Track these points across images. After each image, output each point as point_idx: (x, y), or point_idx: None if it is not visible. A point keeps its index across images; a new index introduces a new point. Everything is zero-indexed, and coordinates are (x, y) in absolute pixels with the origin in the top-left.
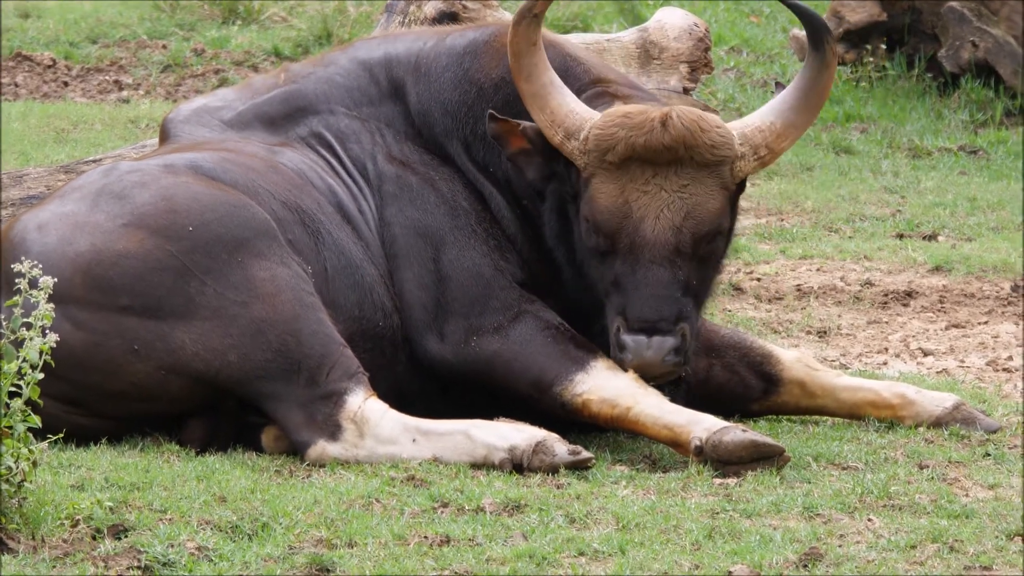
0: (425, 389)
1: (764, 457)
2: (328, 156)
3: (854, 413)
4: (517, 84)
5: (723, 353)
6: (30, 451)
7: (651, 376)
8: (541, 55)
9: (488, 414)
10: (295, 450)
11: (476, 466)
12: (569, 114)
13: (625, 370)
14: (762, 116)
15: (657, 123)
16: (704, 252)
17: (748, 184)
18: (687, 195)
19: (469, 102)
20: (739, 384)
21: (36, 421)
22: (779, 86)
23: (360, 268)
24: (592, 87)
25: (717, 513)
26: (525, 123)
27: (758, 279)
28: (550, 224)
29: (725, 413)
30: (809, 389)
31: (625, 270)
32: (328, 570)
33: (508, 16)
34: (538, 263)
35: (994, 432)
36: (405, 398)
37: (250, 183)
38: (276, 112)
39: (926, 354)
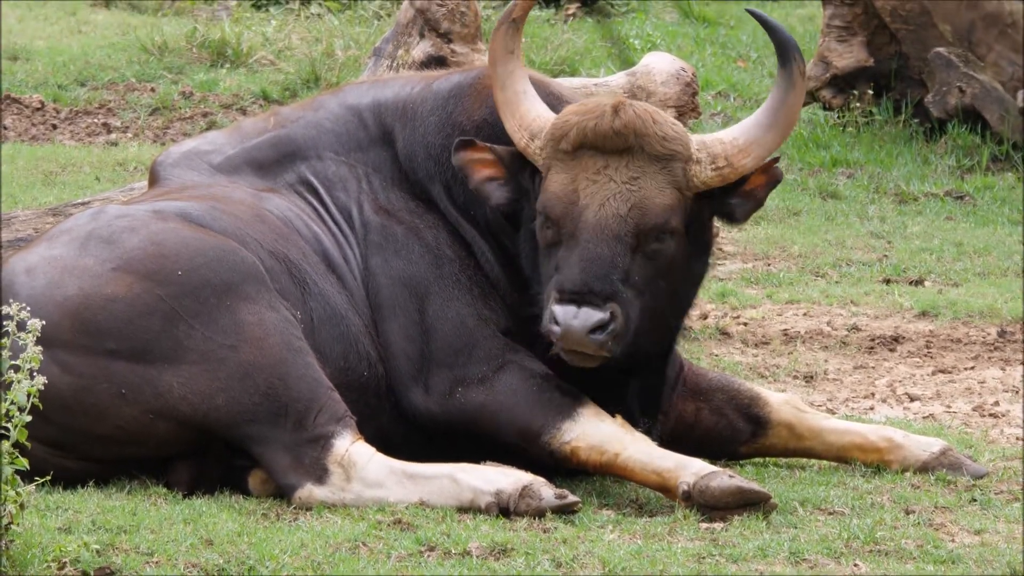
0: (410, 437)
1: (750, 504)
2: (315, 203)
3: (841, 456)
4: (493, 93)
5: (711, 396)
6: (17, 494)
7: (577, 352)
8: (517, 64)
9: (474, 459)
10: (282, 493)
11: (463, 510)
12: (536, 118)
13: (555, 351)
14: (727, 131)
15: (609, 109)
16: (649, 250)
17: (736, 230)
18: (635, 187)
19: (451, 145)
20: (727, 427)
21: (24, 464)
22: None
23: (345, 318)
24: None
25: (703, 558)
26: (494, 146)
27: (745, 324)
28: (524, 252)
29: (713, 456)
30: (797, 431)
31: (565, 254)
32: None
33: None
34: (521, 305)
35: (981, 478)
36: (390, 446)
37: (238, 232)
38: (265, 157)
39: (912, 399)
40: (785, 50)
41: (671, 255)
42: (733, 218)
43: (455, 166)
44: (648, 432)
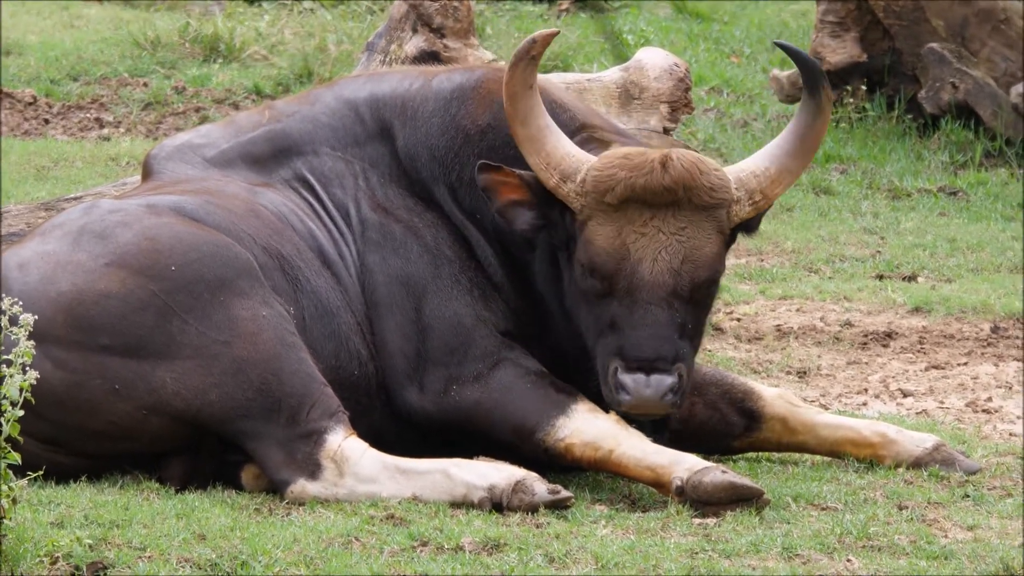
0: (402, 435)
1: (743, 499)
2: (310, 199)
3: (834, 451)
4: (512, 128)
5: (705, 390)
6: (10, 488)
7: (648, 416)
8: (537, 99)
9: (467, 455)
10: (275, 488)
11: (456, 505)
12: (565, 157)
13: (622, 410)
14: (757, 161)
15: (657, 164)
16: (699, 296)
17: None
18: (685, 238)
19: (456, 148)
20: (721, 421)
21: (16, 458)
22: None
23: (337, 316)
24: (579, 133)
25: (696, 553)
26: (521, 171)
27: (738, 319)
28: (541, 271)
29: (707, 450)
30: (790, 425)
31: (622, 311)
32: None
33: (488, 55)
34: (525, 310)
35: (974, 473)
36: (382, 444)
37: (232, 227)
38: (260, 152)
39: (905, 395)
40: (813, 78)
41: (714, 295)
42: (751, 230)
43: (480, 186)
44: (657, 434)
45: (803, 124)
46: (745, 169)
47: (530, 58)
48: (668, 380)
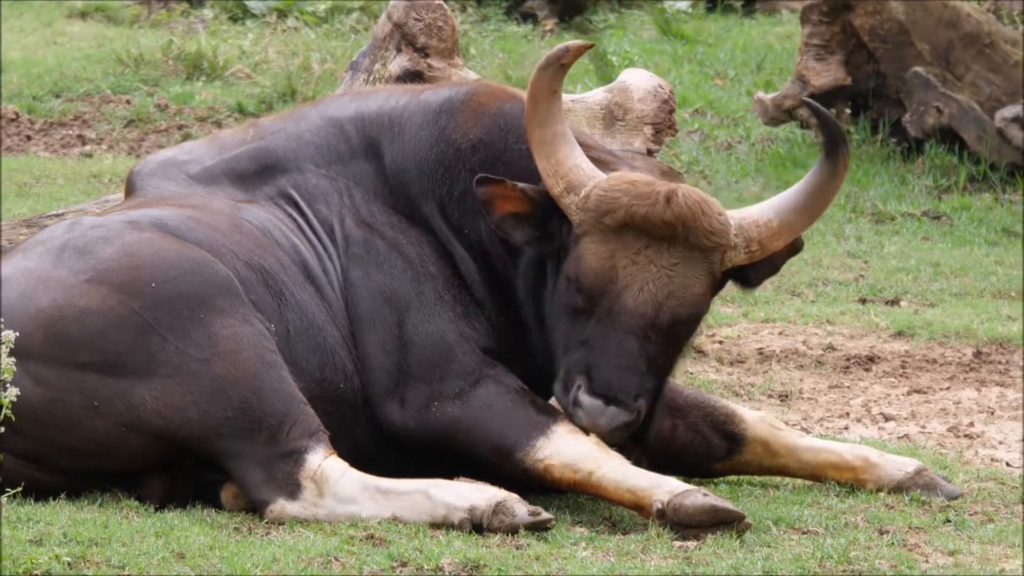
0: (385, 451)
1: (724, 522)
2: (295, 215)
3: (816, 474)
4: (528, 129)
5: (686, 413)
6: None
7: (596, 436)
8: (559, 106)
9: (448, 475)
10: (254, 508)
11: (436, 526)
12: (575, 168)
13: (575, 422)
14: (761, 211)
15: (662, 197)
16: (677, 331)
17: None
18: (675, 274)
19: (446, 162)
20: (703, 444)
21: None
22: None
23: (322, 330)
24: None
25: None
26: (523, 184)
27: (720, 342)
28: (525, 278)
29: (688, 473)
30: (772, 448)
31: (598, 333)
32: None
33: (472, 75)
34: (507, 328)
35: (955, 498)
36: (365, 460)
37: (214, 242)
38: (244, 169)
39: (887, 419)
40: (834, 143)
41: (692, 335)
42: (748, 283)
43: (479, 199)
44: (637, 462)
45: (815, 184)
46: (748, 217)
47: (559, 65)
48: (624, 417)
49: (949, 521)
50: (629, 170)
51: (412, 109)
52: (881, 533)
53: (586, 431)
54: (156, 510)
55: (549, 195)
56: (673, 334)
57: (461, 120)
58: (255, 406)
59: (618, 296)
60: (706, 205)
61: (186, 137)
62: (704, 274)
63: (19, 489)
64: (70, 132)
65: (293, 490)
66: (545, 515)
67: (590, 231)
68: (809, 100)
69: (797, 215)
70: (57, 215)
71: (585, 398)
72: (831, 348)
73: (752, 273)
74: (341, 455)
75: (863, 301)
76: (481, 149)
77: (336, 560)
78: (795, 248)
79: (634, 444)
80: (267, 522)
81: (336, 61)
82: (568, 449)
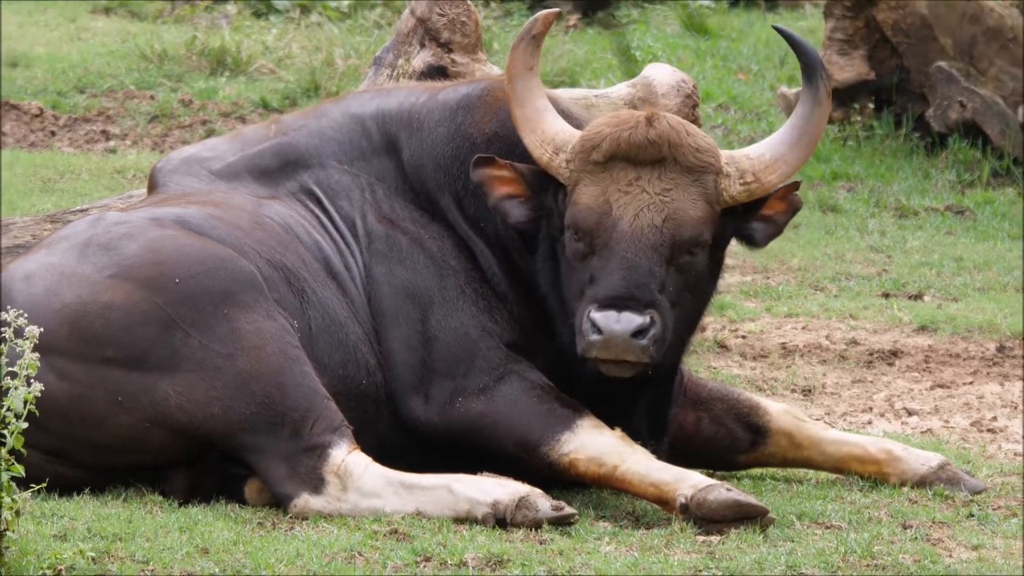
0: (408, 446)
1: (747, 517)
2: (317, 211)
3: (839, 467)
4: (511, 109)
5: (711, 406)
6: (13, 500)
7: (616, 362)
8: (536, 81)
9: (471, 469)
10: (278, 502)
11: (459, 520)
12: (559, 132)
13: (593, 356)
14: (753, 148)
15: (642, 120)
16: (681, 262)
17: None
18: (668, 199)
19: (462, 157)
20: (727, 436)
21: (20, 470)
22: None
23: (345, 327)
24: None
25: (700, 571)
26: (515, 163)
27: (743, 337)
28: (543, 271)
29: (712, 465)
30: (796, 440)
31: (600, 264)
32: None
33: (496, 70)
34: (529, 320)
35: (978, 493)
36: (388, 455)
37: (237, 239)
38: (267, 165)
39: (910, 414)
40: (811, 68)
41: (700, 269)
42: (753, 241)
43: (474, 182)
44: (656, 453)
45: (801, 114)
46: (740, 152)
47: (531, 38)
48: (638, 319)
49: (972, 516)
50: None
51: (431, 106)
52: (904, 528)
53: (605, 358)
54: (180, 505)
55: (540, 172)
56: (677, 261)
57: (477, 115)
58: (278, 401)
59: (614, 226)
60: (690, 127)
61: (210, 133)
62: (699, 198)
63: (43, 485)
64: (94, 128)
65: (317, 485)
66: (568, 510)
67: (580, 177)
68: (778, 25)
69: (789, 148)
70: (81, 210)
71: (596, 314)
72: (854, 343)
73: (758, 232)
74: (364, 450)
75: (886, 296)
76: (496, 142)
77: (360, 555)
78: (794, 205)
79: (655, 438)
80: (291, 517)
81: (360, 56)
82: (593, 443)
